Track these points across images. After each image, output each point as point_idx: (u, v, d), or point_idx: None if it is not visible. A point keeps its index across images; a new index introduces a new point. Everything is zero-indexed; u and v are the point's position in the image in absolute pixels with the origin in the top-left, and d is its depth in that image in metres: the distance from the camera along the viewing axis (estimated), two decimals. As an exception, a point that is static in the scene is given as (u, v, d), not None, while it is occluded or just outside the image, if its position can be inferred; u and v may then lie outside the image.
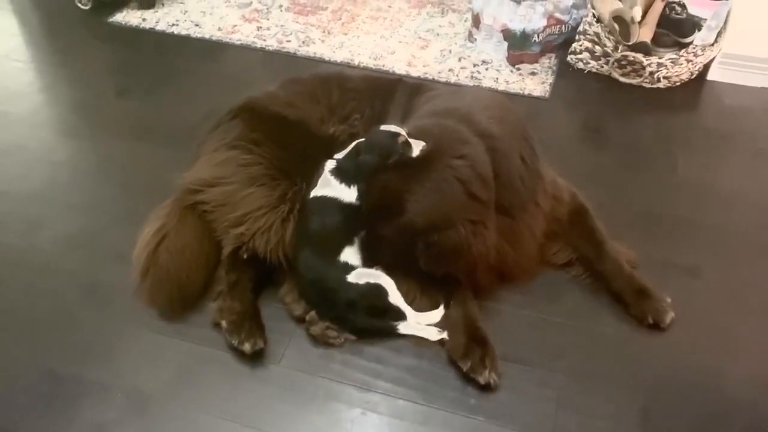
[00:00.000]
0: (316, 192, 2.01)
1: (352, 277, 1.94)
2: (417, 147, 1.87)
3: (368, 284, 1.93)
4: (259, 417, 1.81)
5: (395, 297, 1.95)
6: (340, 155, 2.02)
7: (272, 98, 2.30)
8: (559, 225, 2.18)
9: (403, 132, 1.89)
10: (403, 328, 1.96)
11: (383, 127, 1.94)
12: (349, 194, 1.96)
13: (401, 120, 2.22)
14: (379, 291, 1.93)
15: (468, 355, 1.86)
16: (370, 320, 1.95)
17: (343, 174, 1.97)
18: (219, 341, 1.97)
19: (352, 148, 1.99)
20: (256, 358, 1.92)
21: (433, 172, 1.85)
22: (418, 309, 2.00)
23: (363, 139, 1.99)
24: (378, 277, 1.95)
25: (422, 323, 1.97)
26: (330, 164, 2.01)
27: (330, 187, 1.98)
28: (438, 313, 1.99)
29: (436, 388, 1.87)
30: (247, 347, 1.88)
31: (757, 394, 1.87)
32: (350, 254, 1.97)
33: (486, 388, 1.84)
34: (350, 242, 1.97)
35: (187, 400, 1.85)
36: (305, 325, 1.98)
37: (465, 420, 1.80)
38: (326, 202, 1.97)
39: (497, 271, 2.08)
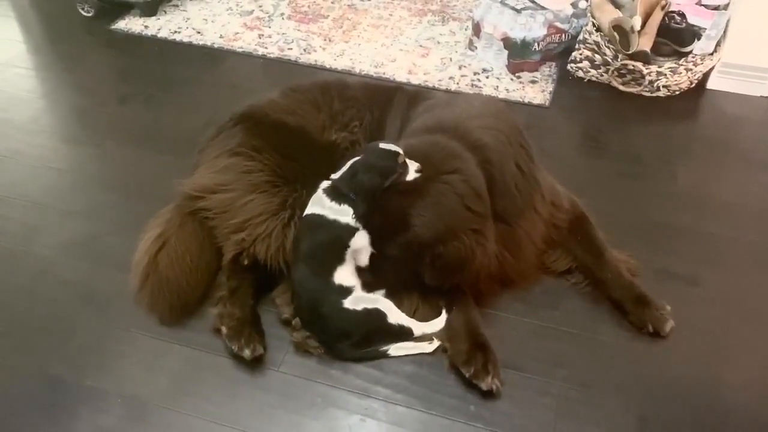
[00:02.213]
0: (307, 210, 1.97)
1: (348, 303, 1.90)
2: (413, 168, 1.86)
3: (366, 310, 1.90)
4: (257, 423, 1.81)
5: (396, 316, 1.93)
6: (336, 175, 1.96)
7: (273, 106, 2.31)
8: (558, 232, 2.18)
9: (401, 151, 1.87)
10: (393, 350, 1.94)
11: (382, 145, 1.89)
12: (339, 214, 1.90)
13: (399, 129, 2.22)
14: (378, 315, 1.91)
15: (471, 362, 1.86)
16: (359, 352, 1.93)
17: (336, 194, 1.91)
18: (218, 347, 1.97)
19: (348, 168, 1.92)
20: (255, 364, 1.92)
21: (429, 187, 1.86)
22: (421, 318, 1.99)
23: (359, 158, 1.93)
24: (375, 301, 1.93)
25: (428, 332, 1.96)
26: (325, 184, 1.96)
27: (320, 206, 1.93)
28: (441, 320, 1.98)
29: (435, 395, 1.87)
30: (246, 353, 1.88)
31: (756, 402, 1.87)
32: (344, 276, 1.92)
33: (488, 395, 1.84)
34: (340, 262, 1.91)
35: (185, 407, 1.85)
36: (290, 329, 1.99)
37: (464, 427, 1.80)
38: (316, 220, 1.93)
39: (498, 279, 2.08)
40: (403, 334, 1.94)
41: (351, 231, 1.90)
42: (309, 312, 1.93)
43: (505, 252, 2.03)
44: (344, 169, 1.93)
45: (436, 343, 1.95)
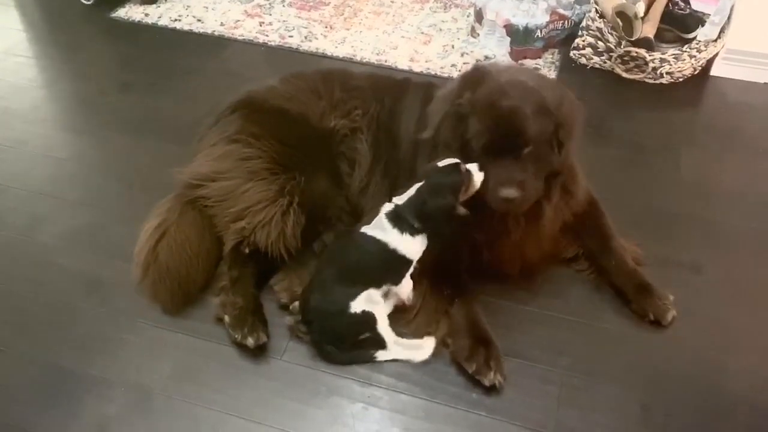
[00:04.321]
0: (366, 229, 1.94)
1: (355, 304, 1.88)
2: (474, 170, 1.83)
3: (363, 312, 1.88)
4: (261, 411, 1.82)
5: (384, 327, 1.91)
6: (399, 199, 1.93)
7: (272, 92, 2.29)
8: (572, 218, 2.15)
9: (456, 160, 1.85)
10: (380, 355, 1.92)
11: (439, 164, 1.86)
12: (400, 244, 1.90)
13: (419, 114, 2.17)
14: (371, 320, 1.89)
15: (473, 357, 1.86)
16: (347, 355, 1.92)
17: (399, 220, 1.90)
18: (221, 336, 1.97)
19: (415, 195, 1.89)
20: (258, 352, 1.92)
21: (568, 117, 1.88)
22: (425, 307, 1.99)
23: (422, 184, 1.88)
24: (375, 304, 1.91)
25: (404, 358, 1.92)
26: (387, 207, 1.94)
27: (381, 229, 1.91)
28: (426, 349, 1.93)
29: (438, 383, 1.88)
30: (250, 342, 1.89)
31: (758, 389, 1.88)
32: (374, 294, 1.91)
33: (491, 389, 1.84)
34: (377, 285, 1.92)
35: (188, 395, 1.86)
36: (287, 313, 1.99)
37: (467, 415, 1.81)
38: (373, 242, 1.91)
39: (519, 257, 2.06)
40: (379, 345, 1.92)
41: (407, 265, 1.92)
42: (314, 310, 1.91)
43: (530, 230, 2.00)
44: (409, 194, 1.91)
45: (428, 352, 1.91)
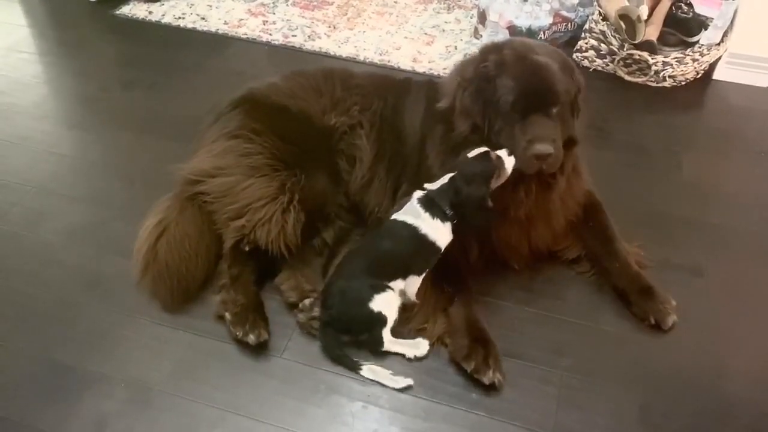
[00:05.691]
0: (397, 215, 1.95)
1: (376, 301, 1.86)
2: (504, 155, 1.85)
3: (379, 313, 1.86)
4: (260, 409, 1.82)
5: (387, 330, 1.90)
6: (432, 186, 1.94)
7: (274, 89, 2.30)
8: (575, 217, 2.16)
9: (486, 149, 1.86)
10: (366, 371, 1.88)
11: (470, 155, 1.87)
12: (431, 228, 1.91)
13: (424, 111, 2.18)
14: (381, 321, 1.88)
15: (471, 356, 1.86)
16: (340, 352, 1.91)
17: (431, 206, 1.91)
18: (221, 333, 1.98)
19: (448, 183, 1.90)
20: (258, 350, 1.92)
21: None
22: (424, 304, 1.99)
23: (455, 173, 1.89)
24: (392, 306, 1.90)
25: (401, 350, 1.92)
26: (419, 193, 1.95)
27: (413, 215, 1.92)
28: (422, 347, 1.93)
29: (437, 383, 1.88)
30: (251, 339, 1.89)
31: (758, 393, 1.87)
32: (398, 284, 1.92)
33: (490, 388, 1.84)
34: (404, 276, 1.93)
35: (188, 392, 1.85)
36: (296, 311, 1.99)
37: (466, 415, 1.81)
38: (403, 227, 1.92)
39: (527, 237, 2.07)
40: (375, 346, 1.91)
41: (435, 253, 1.93)
42: (338, 296, 1.90)
43: (541, 205, 2.01)
44: (442, 182, 1.92)
45: (408, 381, 1.87)
